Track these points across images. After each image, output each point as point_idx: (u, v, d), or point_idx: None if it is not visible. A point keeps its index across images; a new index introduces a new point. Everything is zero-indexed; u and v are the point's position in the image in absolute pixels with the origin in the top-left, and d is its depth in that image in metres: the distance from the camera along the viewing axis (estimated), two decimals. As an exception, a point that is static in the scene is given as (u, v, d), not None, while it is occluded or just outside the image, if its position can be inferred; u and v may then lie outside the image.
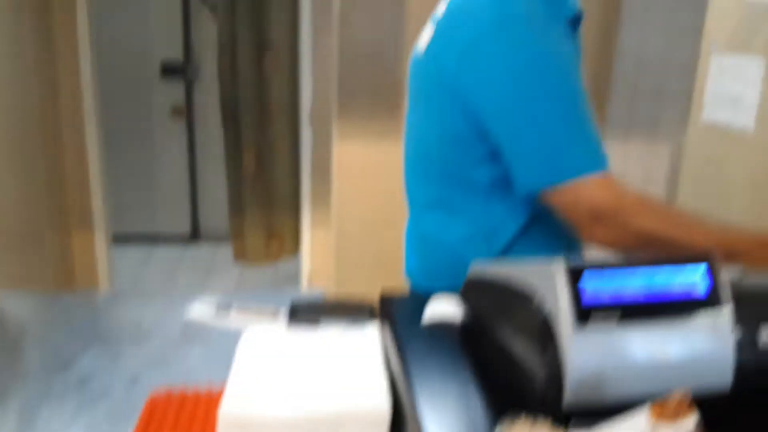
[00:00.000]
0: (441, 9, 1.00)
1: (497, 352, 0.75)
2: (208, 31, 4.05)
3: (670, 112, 2.28)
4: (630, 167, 2.38)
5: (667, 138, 2.33)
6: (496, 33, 0.89)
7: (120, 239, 3.97)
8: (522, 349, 0.70)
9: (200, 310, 1.13)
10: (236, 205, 3.42)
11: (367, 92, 2.11)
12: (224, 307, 1.10)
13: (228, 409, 0.72)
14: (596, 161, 0.90)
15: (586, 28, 2.11)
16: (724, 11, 1.57)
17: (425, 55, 1.00)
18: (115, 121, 3.83)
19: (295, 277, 3.56)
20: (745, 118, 1.50)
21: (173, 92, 4.16)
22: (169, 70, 4.08)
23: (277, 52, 3.11)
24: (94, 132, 2.85)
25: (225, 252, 4.17)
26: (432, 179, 1.05)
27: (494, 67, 0.89)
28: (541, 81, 0.89)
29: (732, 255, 0.88)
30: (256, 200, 3.33)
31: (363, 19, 2.07)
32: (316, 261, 3.12)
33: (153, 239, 4.36)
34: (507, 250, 1.01)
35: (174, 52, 4.08)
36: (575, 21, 0.99)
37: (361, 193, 2.22)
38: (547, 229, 1.00)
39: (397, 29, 2.08)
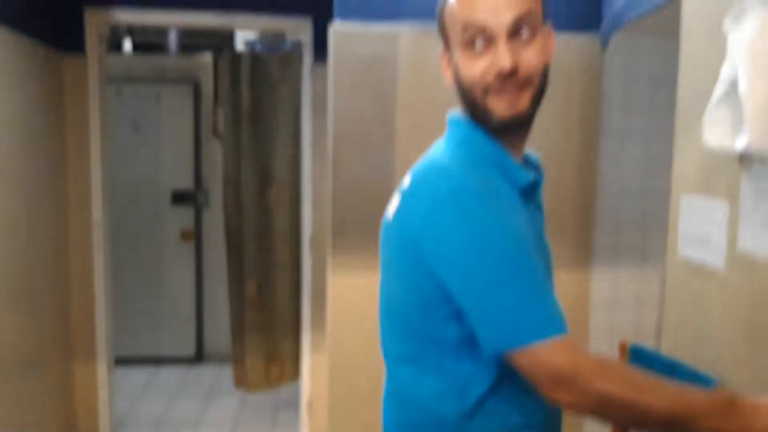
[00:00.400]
0: (406, 180, 1.09)
1: None
2: (217, 161, 4.27)
3: (655, 238, 2.34)
4: (621, 293, 2.41)
5: (654, 262, 2.38)
6: (451, 205, 0.97)
7: (125, 361, 3.99)
8: None
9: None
10: (238, 331, 3.45)
11: (359, 228, 2.21)
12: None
13: None
14: (553, 325, 0.93)
15: (567, 169, 2.22)
16: (688, 153, 1.67)
17: (393, 221, 1.08)
18: (127, 245, 3.97)
19: (295, 402, 3.53)
20: (715, 258, 1.55)
21: (183, 218, 4.32)
22: (179, 198, 4.26)
23: (280, 185, 3.26)
24: (101, 262, 2.95)
25: (228, 374, 4.16)
26: (403, 336, 1.09)
27: (450, 237, 0.96)
28: (494, 251, 0.95)
29: (689, 418, 0.91)
30: (258, 326, 3.37)
31: (354, 161, 2.20)
32: (316, 386, 3.10)
33: (158, 361, 4.36)
34: (479, 406, 1.03)
35: (185, 181, 4.27)
36: (530, 189, 1.07)
37: (355, 322, 2.26)
38: (520, 385, 1.01)
39: (386, 170, 2.20)
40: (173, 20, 2.88)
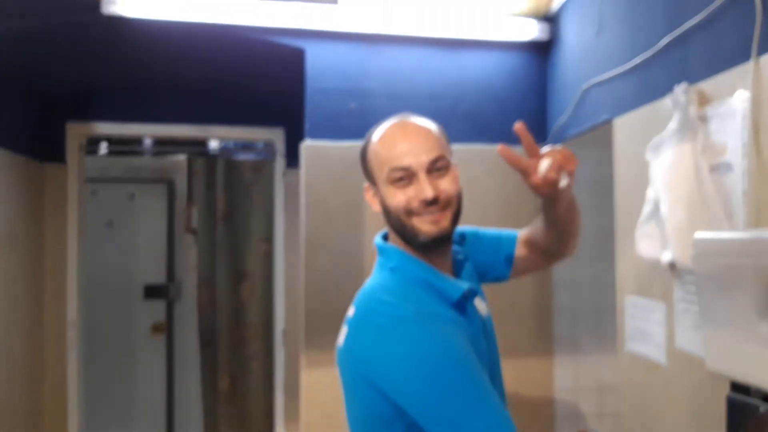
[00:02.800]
0: (351, 311, 1.24)
1: None
2: (190, 255, 4.36)
3: (608, 328, 2.51)
4: (582, 380, 2.55)
5: (610, 351, 2.53)
6: (393, 334, 1.11)
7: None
8: None
9: None
10: (211, 424, 3.46)
11: (331, 326, 2.32)
12: None
13: None
14: (501, 428, 1.07)
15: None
16: (628, 259, 1.86)
17: (343, 349, 1.22)
18: (98, 338, 3.98)
19: (270, 500, 3.51)
20: (657, 353, 1.71)
21: (154, 311, 4.36)
22: (151, 292, 4.32)
23: (253, 280, 3.38)
24: (75, 360, 2.99)
25: (200, 471, 4.10)
26: None
27: (397, 364, 1.10)
28: (436, 370, 1.08)
29: None
30: (230, 419, 3.39)
31: (326, 265, 2.35)
32: (291, 482, 3.11)
33: (128, 456, 4.29)
34: None
35: (157, 276, 4.34)
36: (463, 300, 1.22)
37: (328, 416, 2.34)
38: None
39: (357, 272, 2.35)
40: (151, 132, 3.05)
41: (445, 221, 1.21)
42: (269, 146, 3.34)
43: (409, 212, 1.20)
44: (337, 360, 1.28)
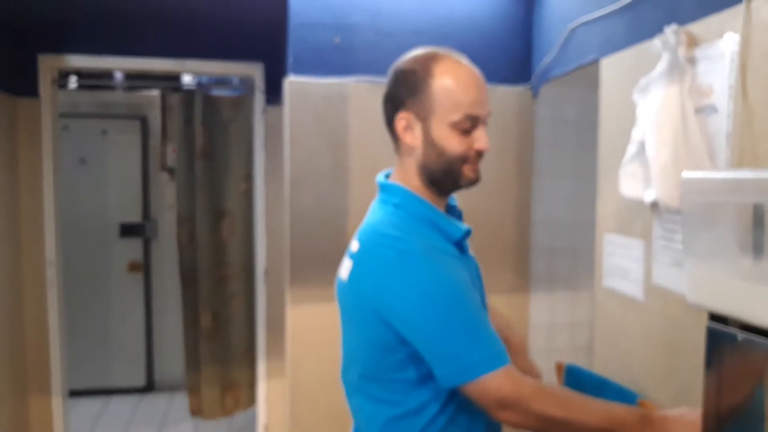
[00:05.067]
0: (354, 245, 1.26)
1: None
2: (165, 194, 4.32)
3: (584, 267, 2.59)
4: (557, 315, 2.65)
5: (585, 289, 2.63)
6: (399, 267, 1.15)
7: (76, 393, 3.98)
8: None
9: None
10: (192, 361, 3.52)
11: (315, 263, 2.36)
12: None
13: None
14: (497, 359, 1.13)
15: (506, 204, 2.43)
16: (608, 198, 1.91)
17: (348, 283, 1.25)
18: (75, 278, 3.97)
19: (251, 428, 3.61)
20: (634, 289, 1.78)
21: (131, 250, 4.34)
22: (127, 230, 4.29)
23: (233, 219, 3.37)
24: (55, 299, 2.99)
25: (180, 402, 4.19)
26: (364, 378, 1.26)
27: (402, 295, 1.14)
28: (440, 302, 1.13)
29: (618, 427, 1.11)
30: (212, 356, 3.45)
31: (310, 202, 2.36)
32: (272, 413, 3.21)
33: (108, 392, 4.36)
34: (429, 426, 1.21)
35: (133, 214, 4.31)
36: (462, 239, 1.26)
37: (314, 351, 2.40)
38: (462, 406, 1.21)
39: (341, 208, 2.37)
40: (124, 65, 2.96)
41: (480, 170, 1.26)
42: (246, 82, 3.28)
43: (464, 159, 1.22)
44: (338, 293, 1.31)
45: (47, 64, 2.85)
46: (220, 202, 3.36)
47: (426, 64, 1.22)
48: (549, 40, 2.34)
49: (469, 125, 1.20)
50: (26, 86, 2.85)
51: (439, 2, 2.40)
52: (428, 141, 1.23)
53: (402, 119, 1.24)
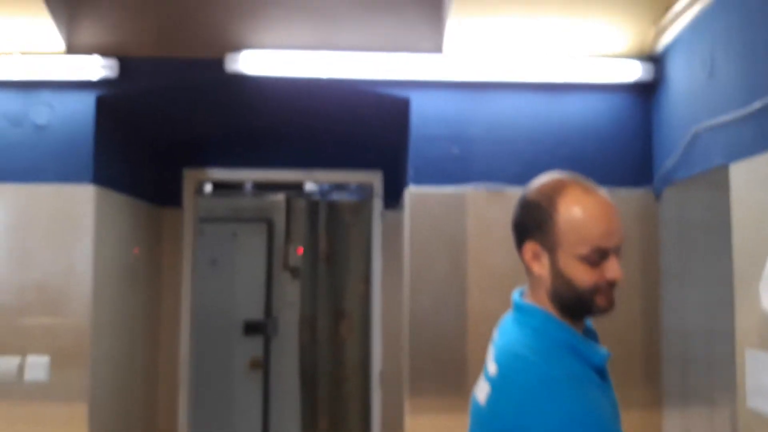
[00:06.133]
0: (492, 367, 1.24)
1: None
2: (287, 292, 4.50)
3: (722, 380, 2.39)
4: (694, 433, 2.44)
5: (723, 403, 2.41)
6: (541, 395, 1.11)
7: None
8: None
9: None
10: (309, 463, 3.53)
11: (434, 373, 2.35)
12: None
13: None
14: None
15: (632, 312, 2.33)
16: (749, 310, 1.78)
17: (486, 408, 1.22)
18: (200, 373, 4.15)
19: None
20: (786, 411, 1.62)
21: (252, 347, 4.50)
22: (250, 328, 4.47)
23: (351, 320, 3.45)
24: (185, 395, 3.14)
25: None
26: None
27: (545, 423, 1.09)
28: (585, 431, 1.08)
29: None
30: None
31: (429, 310, 2.38)
32: None
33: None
34: None
35: (256, 312, 4.50)
36: (604, 364, 1.22)
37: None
38: None
39: (460, 317, 2.37)
40: (256, 176, 3.22)
41: (614, 298, 1.23)
42: (365, 187, 3.44)
43: (595, 290, 1.20)
44: (472, 415, 1.28)
45: (191, 177, 3.15)
46: (340, 303, 3.46)
47: (551, 195, 1.21)
48: (670, 142, 2.30)
49: (598, 258, 1.18)
50: (171, 197, 3.16)
51: (554, 109, 2.45)
52: (556, 272, 1.21)
53: (529, 249, 1.24)
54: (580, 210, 1.18)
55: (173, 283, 3.14)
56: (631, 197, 2.44)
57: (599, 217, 1.17)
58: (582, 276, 1.18)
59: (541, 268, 1.23)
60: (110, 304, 2.56)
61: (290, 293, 4.40)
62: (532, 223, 1.23)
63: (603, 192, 1.22)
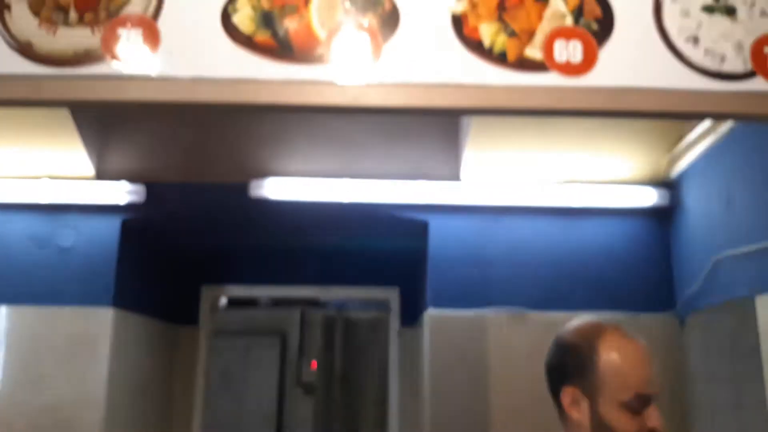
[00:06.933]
0: None
1: None
2: (298, 408, 4.37)
3: None
4: None
5: None
6: None
7: None
8: None
9: None
10: None
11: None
12: None
13: None
14: None
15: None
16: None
17: None
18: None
19: None
20: None
21: (262, 465, 4.32)
22: (261, 446, 4.32)
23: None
24: None
25: None
26: None
27: None
28: None
29: None
30: None
31: (448, 416, 2.30)
32: None
33: None
34: None
35: (267, 428, 4.37)
36: None
37: None
38: None
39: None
40: (274, 293, 3.23)
41: None
42: (382, 304, 3.42)
43: None
44: None
45: (208, 294, 3.15)
46: (355, 424, 3.35)
47: (591, 339, 1.21)
48: (691, 269, 2.30)
49: (640, 405, 1.16)
50: (187, 314, 3.14)
51: (573, 233, 2.47)
52: (596, 419, 1.18)
53: (568, 394, 1.21)
54: (622, 355, 1.17)
55: (185, 401, 3.07)
56: (655, 323, 2.41)
57: (641, 363, 1.17)
58: (623, 423, 1.15)
59: (581, 415, 1.19)
60: (122, 427, 2.49)
61: (302, 409, 4.28)
62: (572, 368, 1.20)
63: (640, 338, 1.21)
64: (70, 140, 2.30)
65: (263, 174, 2.37)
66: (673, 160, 2.40)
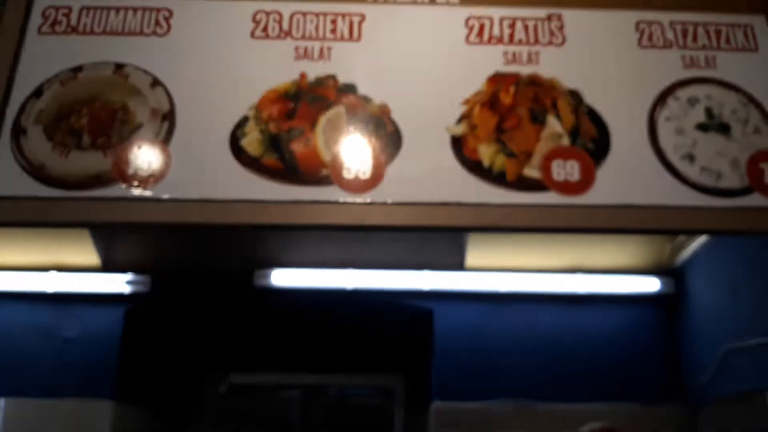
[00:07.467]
0: None
1: None
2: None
3: None
4: None
5: None
6: None
7: None
8: None
9: None
10: None
11: None
12: None
13: None
14: None
15: None
16: None
17: None
18: None
19: None
20: None
21: None
22: None
23: None
24: None
25: None
26: None
27: None
28: None
29: None
30: None
31: None
32: None
33: None
34: None
35: None
36: None
37: None
38: None
39: None
40: (277, 380, 3.18)
41: None
42: (386, 390, 3.34)
43: None
44: None
45: (210, 383, 3.10)
46: None
47: None
48: (699, 358, 2.27)
49: None
50: (188, 403, 3.07)
51: (576, 323, 2.46)
52: None
53: None
54: None
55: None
56: (668, 414, 2.35)
57: None
58: None
59: None
60: None
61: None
62: None
63: None
64: (78, 232, 2.33)
65: (268, 264, 2.39)
66: (677, 249, 2.40)
